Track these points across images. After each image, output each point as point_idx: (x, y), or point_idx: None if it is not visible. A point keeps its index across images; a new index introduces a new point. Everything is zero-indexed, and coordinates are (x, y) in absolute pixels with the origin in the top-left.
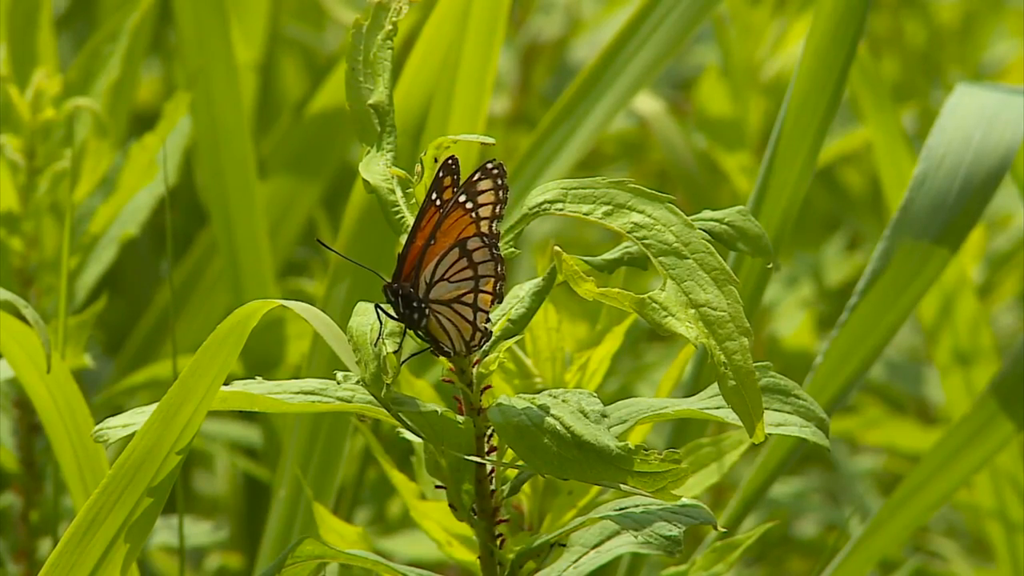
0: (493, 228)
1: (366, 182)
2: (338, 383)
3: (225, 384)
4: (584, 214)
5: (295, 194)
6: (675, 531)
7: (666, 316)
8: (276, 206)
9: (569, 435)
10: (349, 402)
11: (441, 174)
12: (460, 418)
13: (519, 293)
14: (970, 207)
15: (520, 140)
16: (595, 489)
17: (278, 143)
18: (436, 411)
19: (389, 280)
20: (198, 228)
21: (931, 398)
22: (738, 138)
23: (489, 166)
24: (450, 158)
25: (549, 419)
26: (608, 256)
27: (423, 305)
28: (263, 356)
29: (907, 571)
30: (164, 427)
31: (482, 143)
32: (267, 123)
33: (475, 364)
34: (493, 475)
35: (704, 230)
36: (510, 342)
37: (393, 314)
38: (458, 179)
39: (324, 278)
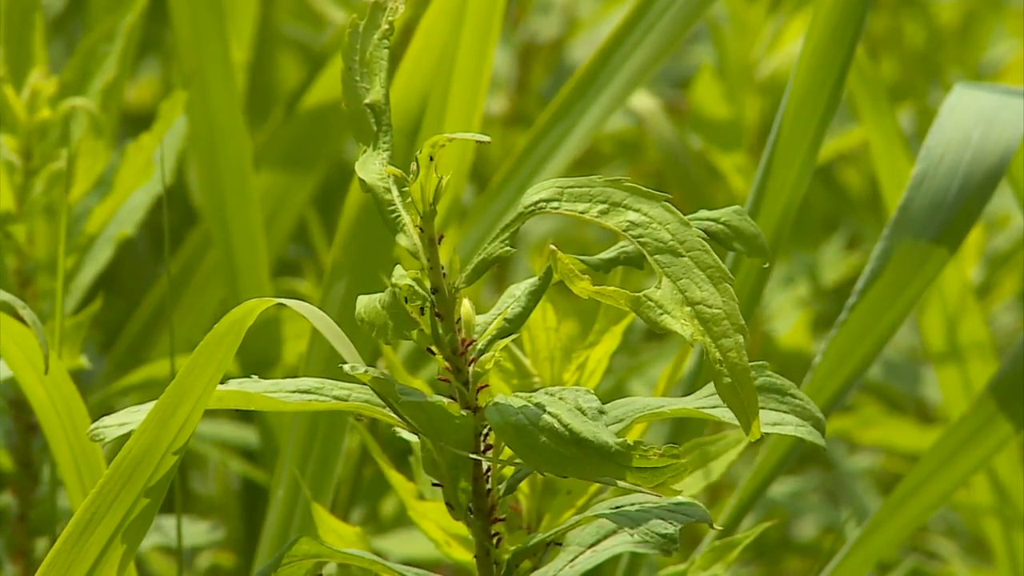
0: None
1: (362, 181)
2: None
3: (221, 384)
4: (580, 213)
5: (287, 191)
6: (671, 529)
7: (662, 314)
8: (268, 203)
9: (567, 432)
10: (346, 400)
11: None
12: (459, 412)
13: (515, 292)
14: (968, 207)
15: (518, 140)
16: (593, 489)
17: (270, 138)
18: (437, 404)
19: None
20: (193, 227)
21: (929, 398)
22: (734, 138)
23: None
24: None
25: (546, 417)
26: (604, 256)
27: None
28: (259, 358)
29: (906, 571)
30: (161, 427)
31: (478, 141)
32: (258, 118)
33: (471, 363)
34: (490, 474)
35: (700, 230)
36: (506, 341)
37: None
38: None
39: (317, 279)
